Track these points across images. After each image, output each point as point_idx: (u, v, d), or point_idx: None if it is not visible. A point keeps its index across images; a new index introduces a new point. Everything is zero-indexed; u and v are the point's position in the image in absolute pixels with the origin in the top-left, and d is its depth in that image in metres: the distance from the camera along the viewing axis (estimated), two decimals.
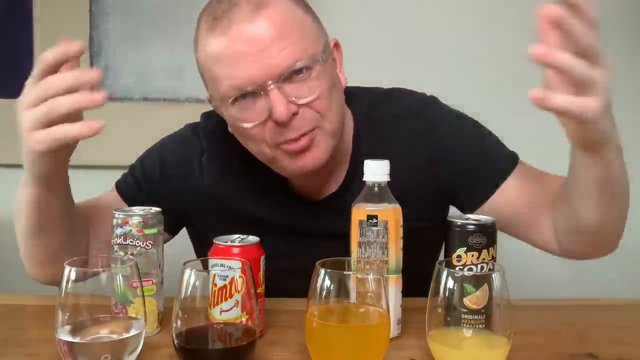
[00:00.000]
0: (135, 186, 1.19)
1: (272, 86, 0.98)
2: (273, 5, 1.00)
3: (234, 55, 0.99)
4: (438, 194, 1.16)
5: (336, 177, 1.16)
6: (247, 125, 1.03)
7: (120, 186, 1.21)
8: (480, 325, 0.82)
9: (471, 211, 1.14)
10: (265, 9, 0.99)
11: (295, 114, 1.00)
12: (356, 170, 1.13)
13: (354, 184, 1.13)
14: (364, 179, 0.92)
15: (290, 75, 0.99)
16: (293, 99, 1.00)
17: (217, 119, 1.18)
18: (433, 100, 1.20)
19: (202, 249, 1.20)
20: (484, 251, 0.89)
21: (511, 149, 1.19)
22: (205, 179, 1.18)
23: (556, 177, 1.12)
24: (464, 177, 1.14)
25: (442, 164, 1.14)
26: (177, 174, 1.19)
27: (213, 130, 1.20)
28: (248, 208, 1.17)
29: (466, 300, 0.81)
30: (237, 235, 0.96)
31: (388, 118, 1.16)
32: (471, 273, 0.86)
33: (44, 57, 0.88)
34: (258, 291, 0.89)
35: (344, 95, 1.11)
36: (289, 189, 1.16)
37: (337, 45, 1.12)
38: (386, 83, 1.23)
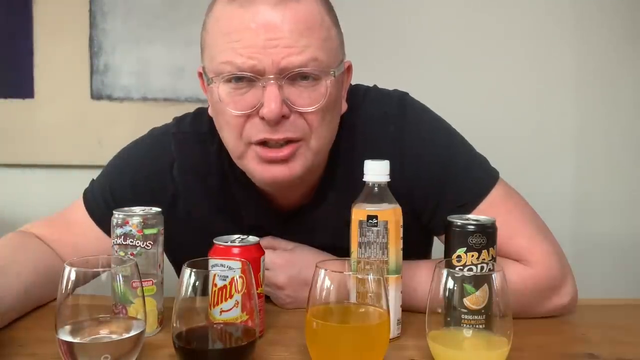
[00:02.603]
0: (107, 211, 1.03)
1: (271, 81, 0.93)
2: (304, 0, 0.95)
3: (244, 34, 0.93)
4: (407, 205, 1.02)
5: (312, 184, 1.10)
6: (233, 111, 0.97)
7: (91, 210, 1.15)
8: (480, 326, 0.82)
9: (436, 234, 1.13)
10: (296, 1, 0.94)
11: (285, 116, 0.95)
12: (333, 179, 1.09)
13: (329, 194, 1.09)
14: (364, 179, 0.92)
15: (295, 76, 0.94)
16: (289, 102, 0.95)
17: (189, 123, 1.15)
18: (410, 104, 1.12)
19: (178, 262, 1.15)
20: (484, 251, 0.89)
21: (491, 163, 1.11)
22: (179, 192, 1.13)
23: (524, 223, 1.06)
24: (429, 198, 1.08)
25: (410, 176, 1.06)
26: (148, 192, 1.12)
27: (185, 137, 1.14)
28: (220, 220, 1.11)
29: (466, 301, 0.81)
30: (237, 236, 0.96)
31: (363, 123, 1.09)
32: (471, 273, 0.86)
33: None
34: (258, 291, 0.89)
35: (339, 120, 1.04)
36: (265, 198, 1.11)
37: (349, 68, 1.06)
38: (384, 83, 1.22)
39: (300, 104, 0.96)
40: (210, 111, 1.07)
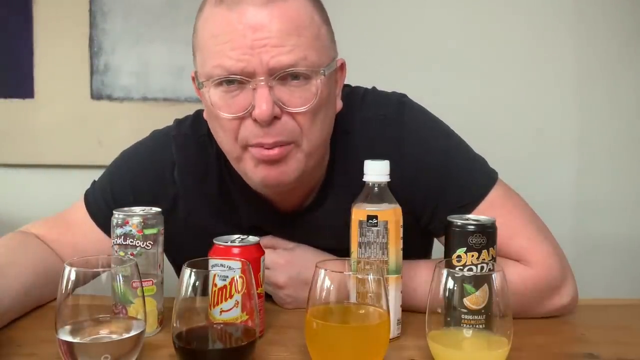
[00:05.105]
0: (108, 212, 1.01)
1: (262, 82, 0.92)
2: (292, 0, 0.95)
3: (232, 36, 0.93)
4: (406, 207, 0.97)
5: (311, 187, 1.09)
6: (225, 115, 0.96)
7: (92, 211, 1.15)
8: (480, 326, 0.82)
9: (436, 235, 1.12)
10: (284, 0, 0.94)
11: (277, 117, 0.94)
12: (333, 182, 1.09)
13: (329, 196, 1.09)
14: (364, 179, 0.92)
15: (285, 77, 0.94)
16: (280, 103, 0.94)
17: (189, 125, 1.14)
18: (409, 106, 1.11)
19: (178, 262, 1.13)
20: (484, 251, 0.89)
21: (492, 164, 1.11)
22: (179, 194, 1.13)
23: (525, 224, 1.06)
24: (429, 200, 1.07)
25: (409, 178, 1.05)
26: (149, 194, 1.12)
27: (185, 139, 1.14)
28: (219, 222, 1.10)
29: (466, 301, 0.81)
30: (237, 236, 0.96)
31: (362, 125, 1.08)
32: (471, 273, 0.86)
33: None
34: (258, 291, 0.89)
35: (334, 119, 1.04)
36: (263, 201, 1.10)
37: (343, 66, 1.05)
38: (383, 85, 1.23)
39: (292, 104, 0.95)
40: (205, 115, 1.06)
